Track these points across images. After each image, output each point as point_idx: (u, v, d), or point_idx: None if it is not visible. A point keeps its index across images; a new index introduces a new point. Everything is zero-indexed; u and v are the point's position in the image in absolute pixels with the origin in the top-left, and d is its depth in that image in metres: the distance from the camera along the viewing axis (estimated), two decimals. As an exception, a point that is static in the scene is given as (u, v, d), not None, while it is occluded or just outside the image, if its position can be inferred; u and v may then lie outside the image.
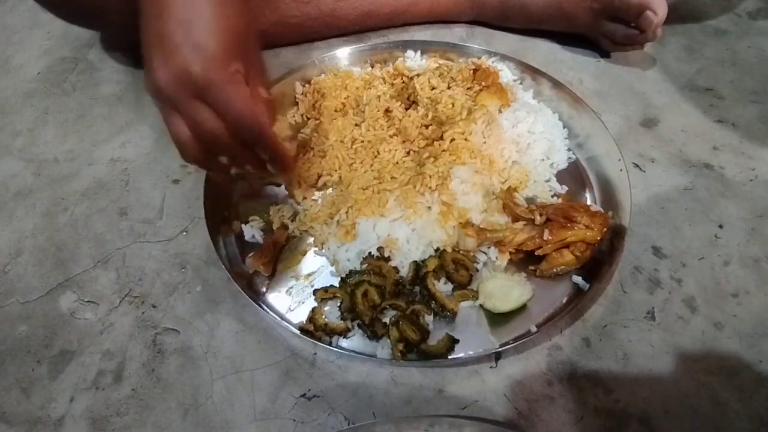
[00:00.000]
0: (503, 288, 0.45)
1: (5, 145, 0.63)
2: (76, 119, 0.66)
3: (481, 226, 0.49)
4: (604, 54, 0.70)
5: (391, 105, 0.58)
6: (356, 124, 0.58)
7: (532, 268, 0.49)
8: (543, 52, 0.71)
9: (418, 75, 0.61)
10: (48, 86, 0.70)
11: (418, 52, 0.65)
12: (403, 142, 0.56)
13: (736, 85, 0.66)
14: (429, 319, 0.46)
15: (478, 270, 0.48)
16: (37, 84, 0.70)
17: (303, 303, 0.47)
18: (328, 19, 0.69)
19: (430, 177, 0.51)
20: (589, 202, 0.53)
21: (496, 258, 0.49)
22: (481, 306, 0.46)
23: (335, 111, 0.59)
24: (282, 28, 0.68)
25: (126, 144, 0.62)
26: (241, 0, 0.40)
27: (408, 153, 0.55)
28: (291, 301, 0.47)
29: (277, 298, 0.48)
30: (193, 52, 0.37)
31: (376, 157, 0.55)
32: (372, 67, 0.65)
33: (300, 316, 0.46)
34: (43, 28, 0.78)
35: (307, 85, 0.62)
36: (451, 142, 0.53)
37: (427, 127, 0.56)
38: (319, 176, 0.54)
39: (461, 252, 0.48)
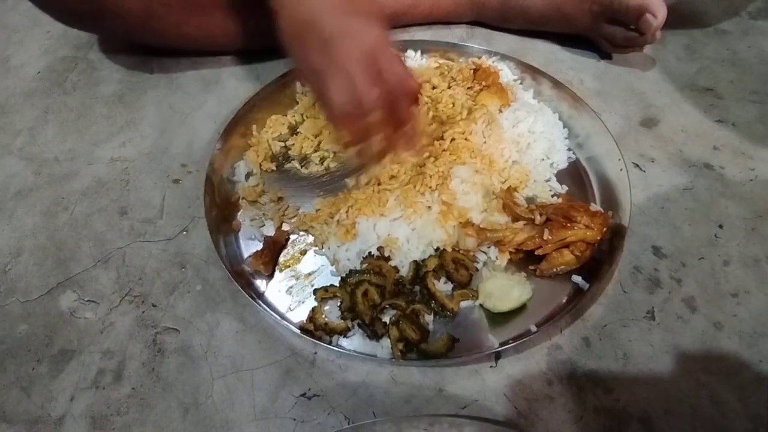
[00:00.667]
0: (503, 288, 0.45)
1: (5, 145, 0.63)
2: (77, 119, 0.66)
3: (481, 226, 0.49)
4: (604, 54, 0.70)
5: None
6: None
7: (532, 267, 0.49)
8: (543, 52, 0.71)
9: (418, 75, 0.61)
10: (48, 86, 0.70)
11: (419, 52, 0.65)
12: None
13: (736, 85, 0.66)
14: (429, 318, 0.46)
15: (478, 269, 0.48)
16: (37, 83, 0.70)
17: (303, 302, 0.47)
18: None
19: (431, 177, 0.51)
20: (589, 202, 0.53)
21: (496, 258, 0.49)
22: (480, 306, 0.46)
23: None
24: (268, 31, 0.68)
25: (126, 143, 0.62)
26: None
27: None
28: (291, 301, 0.48)
29: (277, 298, 0.48)
30: (366, 18, 0.42)
31: None
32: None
33: (300, 315, 0.46)
34: (44, 28, 0.78)
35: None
36: (451, 141, 0.53)
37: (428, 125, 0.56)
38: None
39: (461, 252, 0.48)
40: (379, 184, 0.52)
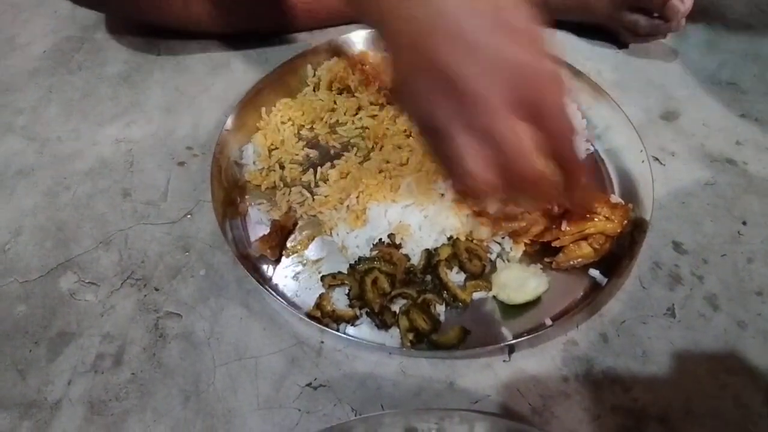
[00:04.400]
0: (518, 279, 0.44)
1: (8, 123, 0.62)
2: (81, 98, 0.64)
3: (495, 216, 0.47)
4: (623, 45, 0.68)
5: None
6: (358, 108, 0.57)
7: (548, 260, 0.47)
8: (560, 42, 0.69)
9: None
10: (53, 65, 0.69)
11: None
12: (405, 131, 0.54)
13: (759, 79, 0.64)
14: (440, 309, 0.44)
15: (491, 260, 0.46)
16: (42, 62, 0.69)
17: (310, 289, 0.46)
18: (339, 6, 0.68)
19: (444, 164, 0.49)
20: (608, 194, 0.51)
21: (511, 249, 0.47)
22: (494, 297, 0.45)
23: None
24: (293, 13, 0.67)
25: (131, 124, 0.61)
26: None
27: (409, 136, 0.54)
28: (298, 287, 0.46)
29: (284, 284, 0.46)
30: (516, 44, 0.28)
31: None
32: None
33: (307, 302, 0.45)
34: (50, 7, 0.77)
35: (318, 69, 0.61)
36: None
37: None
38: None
39: (475, 241, 0.47)
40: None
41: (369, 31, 0.64)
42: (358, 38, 0.64)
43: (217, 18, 0.64)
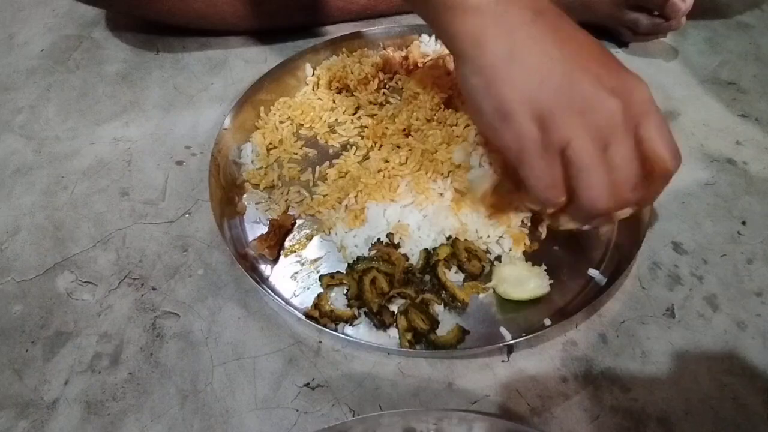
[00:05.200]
0: (520, 276, 0.44)
1: (6, 122, 0.62)
2: (79, 97, 0.64)
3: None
4: (623, 44, 0.68)
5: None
6: (357, 107, 0.57)
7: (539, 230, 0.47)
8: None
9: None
10: (51, 63, 0.68)
11: (433, 36, 0.63)
12: (404, 130, 0.54)
13: (759, 80, 0.64)
14: (439, 309, 0.44)
15: (491, 261, 0.46)
16: (40, 61, 0.69)
17: (308, 289, 0.45)
18: (339, 3, 0.68)
19: (442, 163, 0.49)
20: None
21: (510, 249, 0.47)
22: (494, 290, 0.44)
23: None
24: (291, 10, 0.66)
25: (129, 123, 0.61)
26: None
27: (408, 135, 0.53)
28: (296, 287, 0.46)
29: (282, 283, 0.46)
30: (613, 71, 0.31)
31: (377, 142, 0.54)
32: (385, 50, 0.63)
33: (305, 302, 0.45)
34: (49, 6, 0.77)
35: (317, 68, 0.61)
36: (465, 127, 0.51)
37: (441, 108, 0.54)
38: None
39: (474, 242, 0.46)
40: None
41: (368, 30, 0.64)
42: (357, 37, 0.63)
43: (220, 13, 0.64)
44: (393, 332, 0.43)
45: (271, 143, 0.55)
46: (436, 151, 0.50)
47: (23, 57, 0.70)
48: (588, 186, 0.33)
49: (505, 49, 0.33)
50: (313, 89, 0.59)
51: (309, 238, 0.49)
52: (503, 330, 0.43)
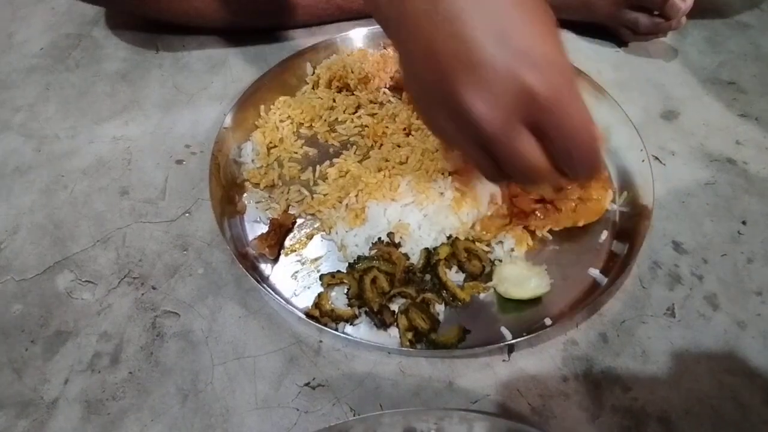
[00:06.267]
0: (520, 276, 0.44)
1: (5, 121, 0.61)
2: (79, 96, 0.64)
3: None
4: (623, 44, 0.68)
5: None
6: (358, 106, 0.57)
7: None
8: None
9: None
10: (51, 62, 0.68)
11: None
12: (404, 129, 0.54)
13: (759, 79, 0.64)
14: (439, 308, 0.44)
15: (492, 261, 0.46)
16: (39, 60, 0.69)
17: (309, 288, 0.45)
18: (340, 2, 0.68)
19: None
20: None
21: (513, 249, 0.47)
22: (494, 290, 0.45)
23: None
24: (292, 8, 0.66)
25: (129, 122, 0.61)
26: None
27: (408, 134, 0.53)
28: (296, 286, 0.46)
29: (282, 283, 0.46)
30: (528, 65, 0.28)
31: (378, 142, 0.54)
32: (385, 49, 0.63)
33: (305, 301, 0.44)
34: (48, 4, 0.76)
35: (317, 66, 0.61)
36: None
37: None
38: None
39: (474, 241, 0.46)
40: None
41: (369, 28, 0.64)
42: (357, 36, 0.63)
43: (220, 11, 0.64)
44: (394, 332, 0.43)
45: (271, 142, 0.55)
46: (437, 150, 0.50)
47: (23, 55, 0.69)
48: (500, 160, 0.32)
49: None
50: (313, 88, 0.59)
51: (309, 237, 0.49)
52: (504, 329, 0.43)
